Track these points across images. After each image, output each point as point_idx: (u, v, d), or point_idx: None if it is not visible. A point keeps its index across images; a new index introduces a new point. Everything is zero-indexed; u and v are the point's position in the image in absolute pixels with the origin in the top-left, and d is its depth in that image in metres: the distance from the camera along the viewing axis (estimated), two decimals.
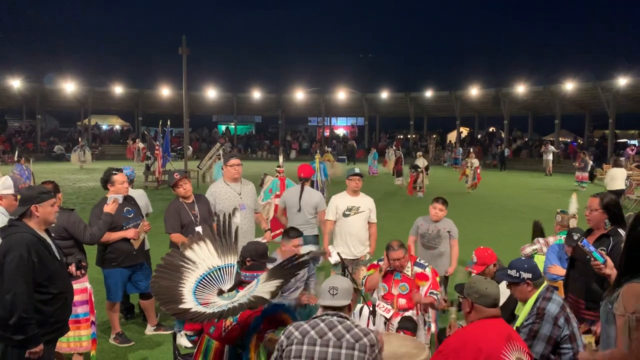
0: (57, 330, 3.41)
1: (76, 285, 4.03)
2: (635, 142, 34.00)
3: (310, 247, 5.21)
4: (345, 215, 5.80)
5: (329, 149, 27.61)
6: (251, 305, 2.89)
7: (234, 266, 3.47)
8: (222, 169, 5.93)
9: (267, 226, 6.17)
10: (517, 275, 3.37)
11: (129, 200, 5.17)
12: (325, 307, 2.88)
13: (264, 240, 5.51)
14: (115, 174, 5.04)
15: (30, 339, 3.13)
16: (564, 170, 26.61)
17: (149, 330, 5.39)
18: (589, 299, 3.81)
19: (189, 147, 23.27)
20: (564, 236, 5.15)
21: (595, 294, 3.70)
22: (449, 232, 5.65)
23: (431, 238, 5.66)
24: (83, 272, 4.04)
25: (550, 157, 27.12)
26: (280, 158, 9.25)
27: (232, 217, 3.71)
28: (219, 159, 14.96)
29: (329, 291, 2.86)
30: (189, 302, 3.11)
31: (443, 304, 4.42)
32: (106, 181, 5.04)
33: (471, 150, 21.18)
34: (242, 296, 3.05)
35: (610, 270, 3.14)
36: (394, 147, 25.17)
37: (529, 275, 3.35)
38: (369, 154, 26.17)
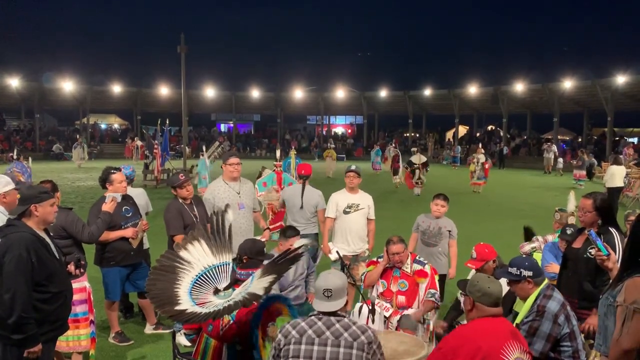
0: (57, 328, 3.41)
1: (75, 285, 4.02)
2: (633, 139, 34.05)
3: (304, 241, 5.19)
4: (345, 212, 5.81)
5: (332, 146, 27.58)
6: (246, 302, 2.88)
7: (229, 264, 3.46)
8: (221, 166, 5.90)
9: (265, 225, 6.17)
10: (518, 273, 3.37)
11: (127, 199, 5.16)
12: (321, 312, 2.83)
13: (263, 239, 5.51)
14: (114, 172, 5.03)
15: (29, 338, 3.13)
16: (563, 168, 26.64)
17: (148, 329, 5.39)
18: (581, 298, 3.82)
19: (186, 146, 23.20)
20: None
21: (587, 292, 3.72)
22: (449, 231, 5.65)
23: (432, 235, 5.67)
24: (82, 270, 4.05)
25: (552, 155, 27.25)
26: (278, 152, 9.27)
27: (225, 213, 3.69)
28: (202, 155, 15.05)
29: (323, 293, 2.81)
30: (185, 303, 3.10)
31: (438, 327, 4.40)
32: (105, 180, 5.02)
33: (480, 145, 20.95)
34: (238, 294, 3.05)
35: (612, 265, 3.15)
36: (393, 145, 25.09)
37: (530, 273, 3.35)
38: (371, 151, 26.13)
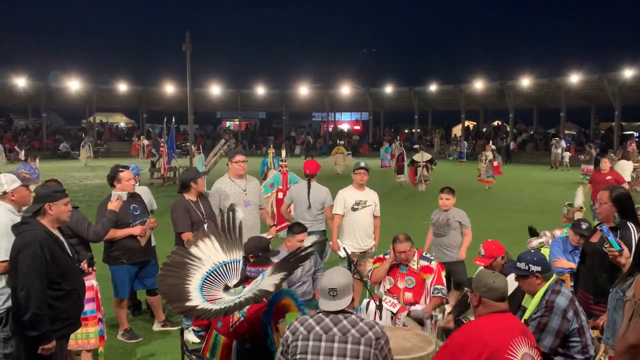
0: (70, 325, 3.46)
1: None
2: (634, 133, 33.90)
3: (313, 238, 5.20)
4: (353, 209, 5.83)
5: (342, 142, 27.48)
6: (256, 299, 2.89)
7: (239, 261, 3.48)
8: (227, 163, 5.92)
9: (272, 222, 6.17)
10: (526, 268, 3.36)
11: (135, 197, 5.18)
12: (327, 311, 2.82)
13: (269, 236, 5.52)
14: (122, 171, 5.06)
15: (43, 335, 3.17)
16: (570, 163, 26.52)
17: (157, 326, 5.41)
18: (597, 293, 3.79)
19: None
20: (570, 229, 5.13)
21: (603, 287, 3.68)
22: (459, 221, 5.69)
23: (440, 226, 5.76)
24: (94, 268, 4.09)
25: (560, 150, 27.19)
26: (283, 152, 9.25)
27: (236, 212, 3.71)
28: (200, 153, 15.32)
29: (329, 293, 2.80)
30: (196, 300, 3.12)
31: (446, 321, 4.41)
32: (113, 178, 5.05)
33: (490, 142, 20.72)
34: (249, 291, 3.06)
35: (625, 260, 3.12)
36: (398, 142, 24.94)
37: (538, 269, 3.34)
38: (381, 148, 25.96)
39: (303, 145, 38.35)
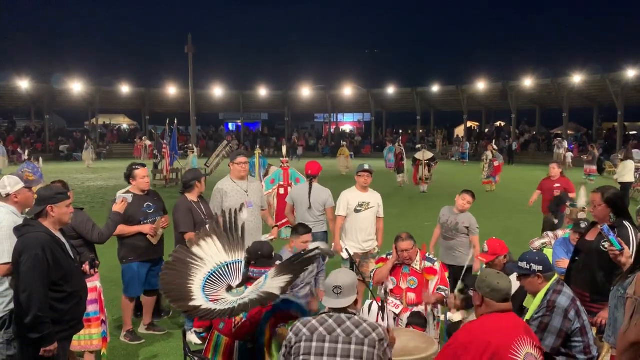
0: (72, 327, 3.46)
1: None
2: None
3: (319, 244, 5.18)
4: (356, 211, 5.82)
5: (345, 144, 27.49)
6: (262, 301, 2.89)
7: (241, 262, 3.47)
8: (228, 164, 5.91)
9: (273, 223, 6.17)
10: (528, 267, 3.38)
11: (151, 195, 5.25)
12: (332, 308, 2.85)
13: (271, 237, 5.52)
14: (137, 168, 5.16)
15: (45, 337, 3.17)
16: (573, 163, 26.48)
17: (142, 328, 5.37)
18: (594, 292, 3.79)
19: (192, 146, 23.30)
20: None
21: (601, 286, 3.69)
22: (467, 227, 5.68)
23: (448, 229, 5.77)
24: (96, 270, 4.09)
25: (562, 151, 27.14)
26: (284, 149, 9.26)
27: (240, 213, 3.71)
28: (193, 152, 15.43)
29: (333, 291, 2.83)
30: (199, 299, 3.11)
31: (452, 300, 4.40)
32: (129, 175, 5.15)
33: (493, 142, 20.59)
34: (251, 292, 3.05)
35: (626, 259, 3.12)
36: (398, 143, 24.86)
37: (540, 268, 3.35)
38: (385, 149, 25.91)
39: (290, 144, 37.87)
